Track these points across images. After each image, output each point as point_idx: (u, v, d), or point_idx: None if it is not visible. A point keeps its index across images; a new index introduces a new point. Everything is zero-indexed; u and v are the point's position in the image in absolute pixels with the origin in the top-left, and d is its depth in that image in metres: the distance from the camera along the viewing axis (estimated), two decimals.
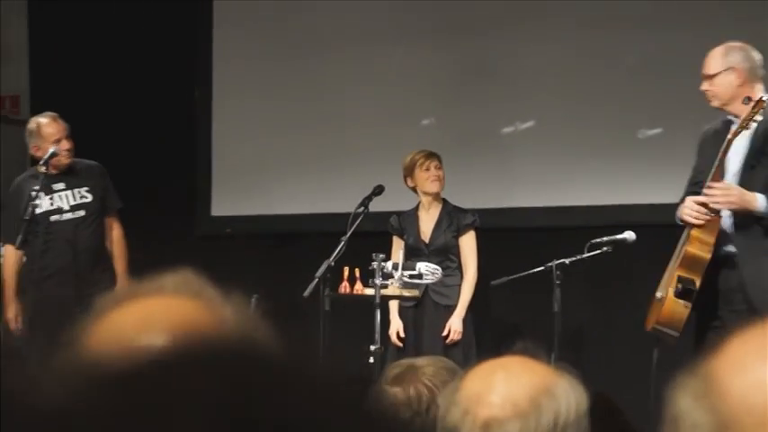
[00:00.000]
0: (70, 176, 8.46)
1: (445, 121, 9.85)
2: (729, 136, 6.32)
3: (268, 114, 10.30)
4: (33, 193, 8.31)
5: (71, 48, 10.69)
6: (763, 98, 6.29)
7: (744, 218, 6.36)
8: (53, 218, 8.39)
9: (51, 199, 8.40)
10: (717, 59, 6.57)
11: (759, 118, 6.29)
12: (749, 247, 6.38)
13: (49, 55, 10.92)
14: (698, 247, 6.36)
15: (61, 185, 8.43)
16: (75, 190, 8.44)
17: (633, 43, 9.38)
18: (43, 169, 8.31)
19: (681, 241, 6.53)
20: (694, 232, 6.37)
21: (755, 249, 6.37)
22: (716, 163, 6.33)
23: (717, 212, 6.35)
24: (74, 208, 8.42)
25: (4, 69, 11.37)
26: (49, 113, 8.46)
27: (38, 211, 8.36)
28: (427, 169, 8.52)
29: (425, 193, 8.57)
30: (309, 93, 10.18)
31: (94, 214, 8.44)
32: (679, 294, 6.33)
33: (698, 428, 1.02)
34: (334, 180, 9.79)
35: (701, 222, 6.33)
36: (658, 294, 6.54)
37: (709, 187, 6.33)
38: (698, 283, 6.35)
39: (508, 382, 2.27)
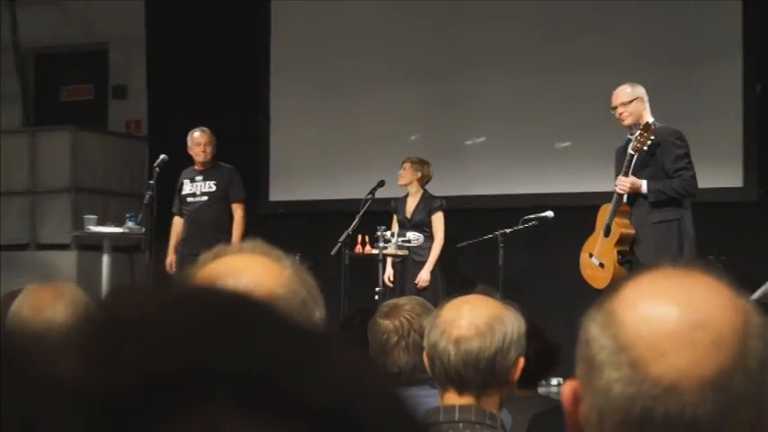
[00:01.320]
0: (208, 172, 8.44)
1: (426, 137, 9.83)
2: (631, 151, 6.26)
3: (307, 133, 10.28)
4: (183, 181, 8.45)
5: (176, 85, 10.67)
6: (650, 123, 6.26)
7: (635, 196, 6.34)
8: (189, 199, 8.43)
9: (192, 186, 8.43)
10: (628, 91, 6.39)
11: (653, 137, 6.23)
12: (639, 216, 6.38)
13: (161, 90, 10.90)
14: (624, 228, 6.36)
15: (200, 177, 8.44)
16: (207, 182, 8.42)
17: (552, 84, 9.37)
18: (157, 170, 8.30)
19: (602, 223, 6.48)
20: (617, 219, 6.36)
21: (642, 218, 6.36)
22: (624, 166, 6.28)
23: (622, 196, 6.35)
24: (202, 194, 8.41)
25: (131, 101, 11.35)
26: (201, 127, 8.46)
27: (183, 192, 8.46)
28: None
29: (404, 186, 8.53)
30: (334, 118, 10.17)
31: (214, 199, 8.39)
32: (621, 263, 6.35)
33: (604, 349, 1.01)
34: (352, 176, 9.77)
35: (621, 192, 6.31)
36: (596, 261, 6.48)
37: (617, 180, 6.34)
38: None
39: (472, 312, 2.26)
